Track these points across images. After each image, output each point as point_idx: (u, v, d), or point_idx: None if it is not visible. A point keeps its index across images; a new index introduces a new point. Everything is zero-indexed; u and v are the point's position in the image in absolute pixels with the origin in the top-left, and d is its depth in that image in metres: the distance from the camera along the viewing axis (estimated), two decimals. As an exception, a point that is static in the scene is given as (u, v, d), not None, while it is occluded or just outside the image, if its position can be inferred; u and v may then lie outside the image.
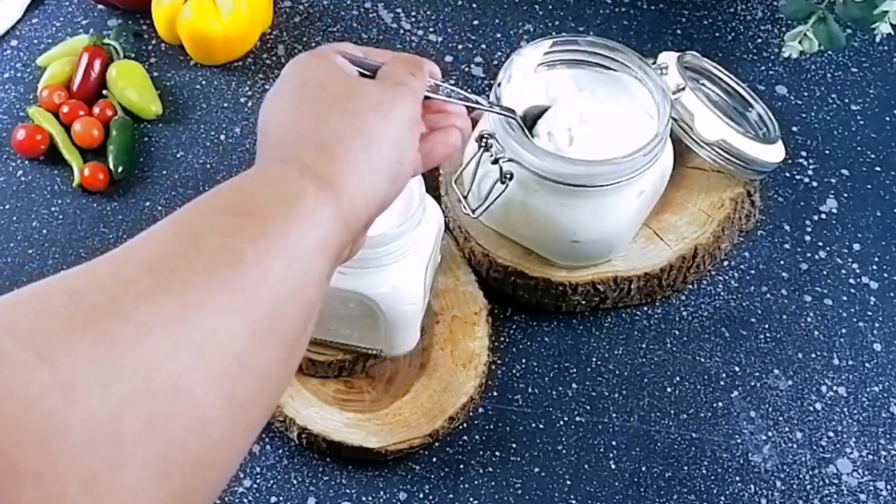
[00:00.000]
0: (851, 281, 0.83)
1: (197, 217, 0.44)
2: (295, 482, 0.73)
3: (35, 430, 0.33)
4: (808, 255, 0.84)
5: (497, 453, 0.74)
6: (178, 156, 0.89)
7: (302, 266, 0.45)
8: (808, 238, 0.85)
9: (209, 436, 0.38)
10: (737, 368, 0.78)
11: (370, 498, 0.72)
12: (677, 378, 0.78)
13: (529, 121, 0.75)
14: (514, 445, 0.74)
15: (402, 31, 0.97)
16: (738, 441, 0.75)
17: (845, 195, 0.88)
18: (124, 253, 0.41)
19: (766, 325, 0.81)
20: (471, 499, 0.72)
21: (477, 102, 0.66)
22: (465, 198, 0.78)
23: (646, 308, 0.81)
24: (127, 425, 0.35)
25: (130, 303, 0.38)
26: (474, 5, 0.99)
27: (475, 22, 0.98)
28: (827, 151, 0.90)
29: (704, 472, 0.74)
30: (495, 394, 0.77)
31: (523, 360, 0.78)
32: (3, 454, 0.32)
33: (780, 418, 0.76)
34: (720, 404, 0.77)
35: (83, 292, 0.38)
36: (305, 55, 0.57)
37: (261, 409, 0.43)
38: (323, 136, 0.51)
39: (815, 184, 0.88)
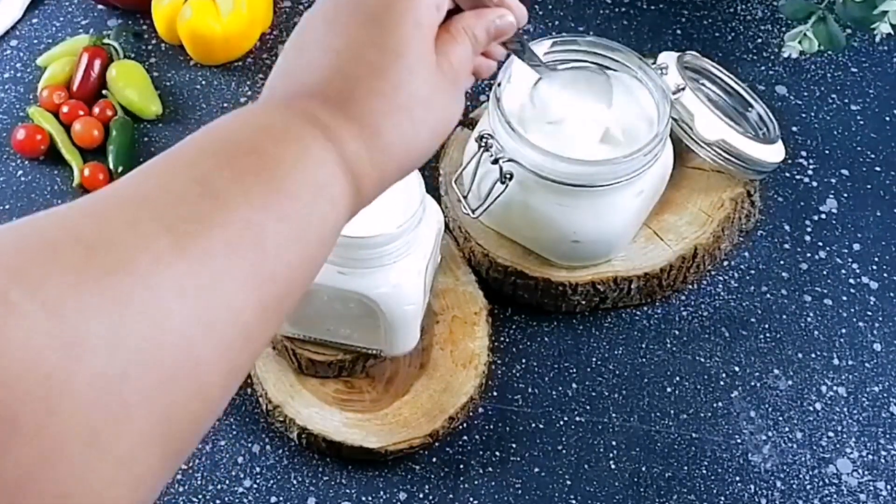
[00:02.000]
0: (851, 281, 0.83)
1: (225, 180, 0.42)
2: (295, 482, 0.73)
3: (38, 385, 0.33)
4: (808, 255, 0.84)
5: (497, 453, 0.74)
6: (178, 156, 0.89)
7: (315, 251, 0.45)
8: (808, 238, 0.85)
9: (208, 400, 0.39)
10: (737, 368, 0.78)
11: (370, 498, 0.72)
12: (677, 378, 0.78)
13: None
14: (514, 445, 0.74)
15: (402, 31, 0.97)
16: (738, 441, 0.75)
17: (845, 195, 0.88)
18: (140, 203, 0.40)
19: (766, 325, 0.81)
20: (471, 499, 0.72)
21: (536, 64, 0.65)
22: (465, 198, 0.78)
23: (646, 308, 0.81)
24: (134, 385, 0.35)
25: (147, 264, 0.37)
26: (474, 5, 0.99)
27: (475, 22, 0.98)
28: (827, 151, 0.90)
29: (704, 472, 0.74)
30: (495, 394, 0.77)
31: (523, 360, 0.78)
32: (4, 406, 0.32)
33: (780, 418, 0.76)
34: (720, 404, 0.77)
35: (98, 245, 0.37)
36: None
37: (247, 372, 0.43)
38: (381, 131, 0.48)
39: (815, 184, 0.88)
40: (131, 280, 0.36)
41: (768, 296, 0.82)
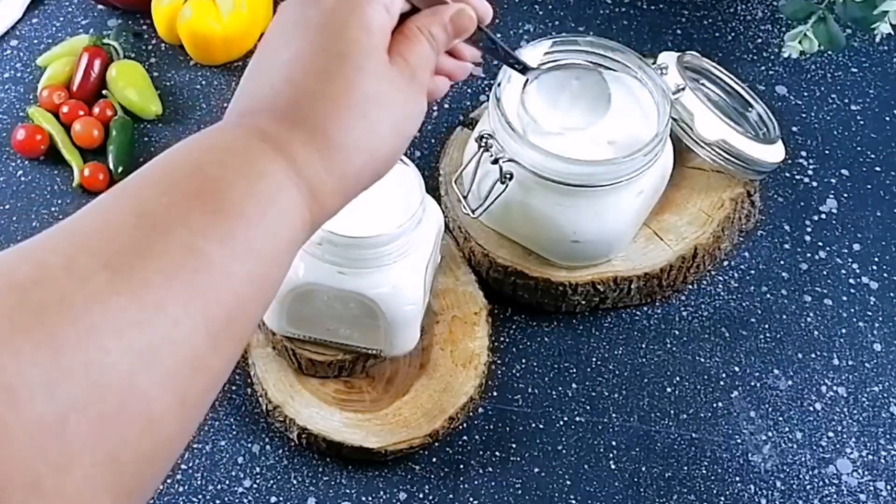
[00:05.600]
0: (851, 281, 0.83)
1: (163, 207, 0.41)
2: (295, 482, 0.73)
3: None
4: (808, 255, 0.84)
5: (497, 453, 0.74)
6: (178, 156, 0.89)
7: (267, 269, 0.43)
8: (808, 238, 0.85)
9: (160, 434, 0.38)
10: (737, 368, 0.78)
11: (370, 498, 0.72)
12: (677, 378, 0.78)
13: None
14: (514, 445, 0.74)
15: (402, 31, 0.97)
16: (738, 441, 0.75)
17: (845, 195, 0.88)
18: (77, 241, 0.39)
19: (766, 325, 0.81)
20: (471, 499, 0.72)
21: (514, 63, 0.63)
22: (465, 198, 0.78)
23: (646, 308, 0.81)
24: (74, 428, 0.34)
25: (82, 303, 0.36)
26: (474, 5, 0.99)
27: (475, 22, 0.98)
28: (827, 151, 0.90)
29: (704, 472, 0.74)
30: (495, 394, 0.77)
31: (523, 360, 0.78)
32: None
33: (780, 418, 0.76)
34: (720, 404, 0.77)
35: (31, 289, 0.36)
36: None
37: (209, 403, 0.42)
38: (332, 134, 0.47)
39: (815, 184, 0.88)
40: (64, 321, 0.36)
41: (768, 296, 0.82)
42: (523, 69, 0.65)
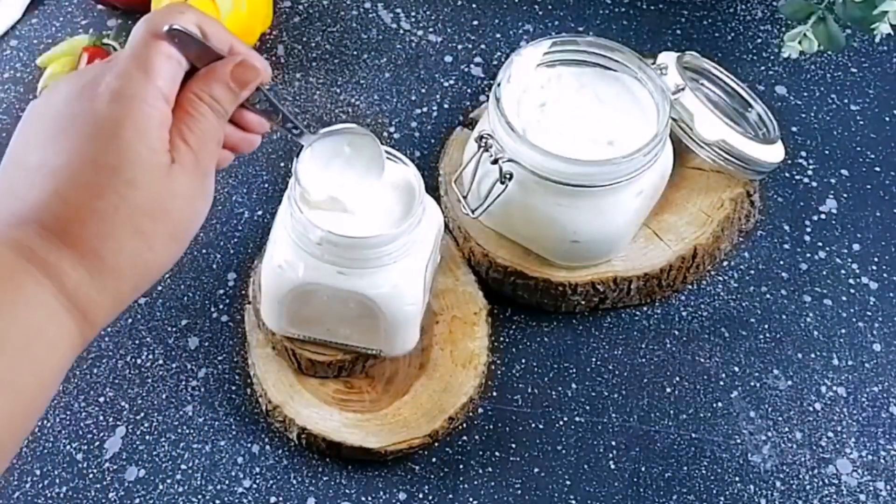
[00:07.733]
0: (851, 281, 0.83)
1: None
2: (295, 482, 0.73)
3: None
4: (808, 255, 0.84)
5: (497, 453, 0.74)
6: (178, 156, 0.89)
7: (28, 404, 0.41)
8: (807, 238, 0.85)
9: None
10: (736, 368, 0.78)
11: (370, 498, 0.72)
12: (677, 378, 0.78)
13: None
14: (513, 445, 0.74)
15: (401, 32, 0.97)
16: (738, 441, 0.75)
17: (845, 195, 0.88)
18: None
19: (766, 325, 0.81)
20: (471, 499, 0.72)
21: (292, 127, 0.58)
22: (465, 198, 0.78)
23: (646, 308, 0.81)
24: None
25: None
26: (474, 5, 0.99)
27: (475, 22, 0.98)
28: (827, 151, 0.90)
29: (704, 472, 0.74)
30: (495, 394, 0.77)
31: (523, 360, 0.78)
32: None
33: (780, 418, 0.76)
34: (720, 404, 0.77)
35: None
36: (123, 65, 0.47)
37: None
38: (104, 255, 0.44)
39: (814, 184, 0.88)
40: None
41: (768, 296, 0.82)
42: (300, 134, 0.61)
